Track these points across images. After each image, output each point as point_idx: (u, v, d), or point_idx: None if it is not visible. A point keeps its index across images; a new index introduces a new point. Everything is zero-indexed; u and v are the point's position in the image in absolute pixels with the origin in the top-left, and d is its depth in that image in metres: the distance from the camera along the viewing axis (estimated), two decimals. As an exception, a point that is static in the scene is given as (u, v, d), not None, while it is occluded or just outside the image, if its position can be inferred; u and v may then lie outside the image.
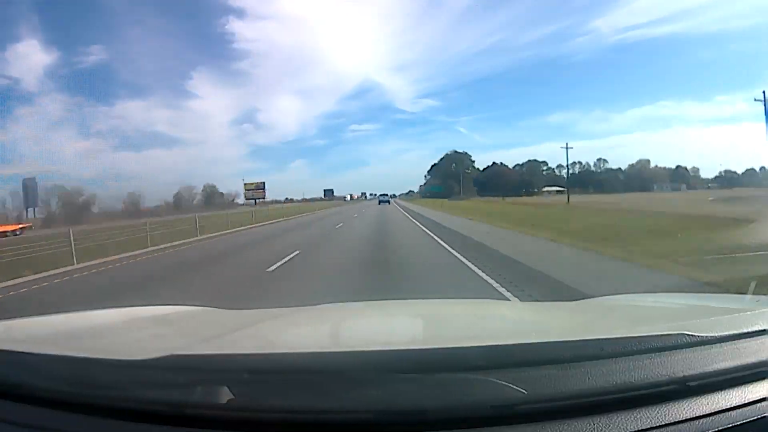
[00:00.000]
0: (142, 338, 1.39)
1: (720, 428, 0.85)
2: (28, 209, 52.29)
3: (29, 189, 52.82)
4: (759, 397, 0.90)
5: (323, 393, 0.84)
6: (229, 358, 0.99)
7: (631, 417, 0.85)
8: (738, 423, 0.86)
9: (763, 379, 0.94)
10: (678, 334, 0.96)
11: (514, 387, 0.82)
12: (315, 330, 1.60)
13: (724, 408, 0.88)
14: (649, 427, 0.84)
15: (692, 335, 0.95)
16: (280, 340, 1.45)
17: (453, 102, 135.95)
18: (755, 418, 0.87)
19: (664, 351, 0.92)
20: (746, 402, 0.89)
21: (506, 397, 0.82)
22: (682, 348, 0.94)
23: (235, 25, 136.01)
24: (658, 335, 0.98)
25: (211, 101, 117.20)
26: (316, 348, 1.27)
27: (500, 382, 0.83)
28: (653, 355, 0.91)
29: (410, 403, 0.83)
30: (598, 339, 1.02)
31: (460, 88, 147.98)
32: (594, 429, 0.82)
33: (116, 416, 0.88)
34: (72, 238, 11.40)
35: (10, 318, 1.44)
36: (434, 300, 3.50)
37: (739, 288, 3.18)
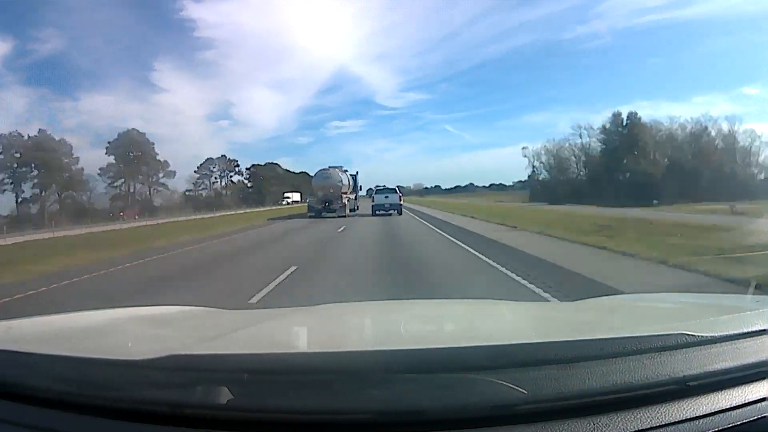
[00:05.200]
0: (142, 338, 1.39)
1: (720, 428, 0.85)
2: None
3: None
4: (759, 397, 0.91)
5: (323, 393, 0.84)
6: (229, 358, 0.99)
7: (631, 417, 0.85)
8: (738, 423, 0.86)
9: (763, 379, 0.94)
10: (678, 334, 0.96)
11: (515, 387, 0.82)
12: (315, 330, 1.60)
13: (724, 408, 0.88)
14: (649, 427, 0.84)
15: (692, 335, 0.95)
16: (280, 340, 1.45)
17: (439, 95, 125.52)
18: (755, 418, 0.88)
19: (665, 351, 0.92)
20: (746, 402, 0.90)
21: (507, 397, 0.82)
22: (682, 348, 0.94)
23: (193, 10, 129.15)
24: (658, 335, 0.98)
25: (181, 95, 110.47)
26: (316, 348, 1.27)
27: (501, 382, 0.83)
28: (653, 355, 0.91)
29: (410, 403, 0.83)
30: (599, 339, 1.02)
31: (446, 80, 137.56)
32: (594, 429, 0.82)
33: (116, 416, 0.88)
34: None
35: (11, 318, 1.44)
36: (435, 300, 3.50)
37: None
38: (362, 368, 0.88)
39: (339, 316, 1.81)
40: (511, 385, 0.82)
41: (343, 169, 31.66)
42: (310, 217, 27.58)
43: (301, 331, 1.59)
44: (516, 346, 0.99)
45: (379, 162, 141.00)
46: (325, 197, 28.35)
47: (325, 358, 0.96)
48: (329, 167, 30.40)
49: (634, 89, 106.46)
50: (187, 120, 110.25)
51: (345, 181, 30.07)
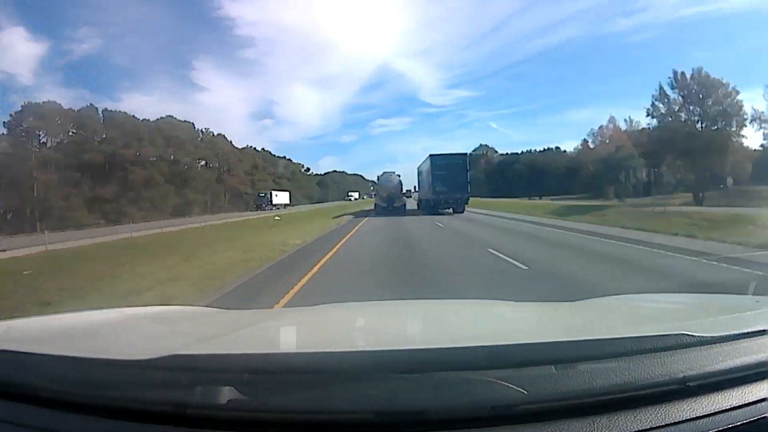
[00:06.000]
0: (142, 338, 1.39)
1: (720, 428, 0.85)
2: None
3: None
4: (759, 398, 0.91)
5: (323, 393, 0.84)
6: (229, 358, 0.98)
7: (631, 417, 0.85)
8: (738, 423, 0.86)
9: (763, 379, 0.94)
10: (678, 334, 0.96)
11: (515, 387, 0.82)
12: (315, 330, 1.60)
13: (724, 408, 0.88)
14: (649, 427, 0.84)
15: (692, 335, 0.95)
16: (280, 340, 1.45)
17: (484, 92, 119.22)
18: (755, 418, 0.87)
19: (664, 351, 0.93)
20: (746, 402, 0.90)
21: (506, 397, 0.82)
22: (682, 348, 0.94)
23: (231, 8, 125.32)
24: (658, 335, 0.98)
25: (223, 94, 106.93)
26: (316, 348, 1.27)
27: (500, 382, 0.83)
28: (653, 355, 0.91)
29: (410, 403, 0.83)
30: (599, 339, 1.02)
31: (491, 76, 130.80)
32: (594, 429, 0.82)
33: (117, 416, 0.88)
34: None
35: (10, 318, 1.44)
36: (434, 300, 3.50)
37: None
38: (362, 368, 0.88)
39: (339, 317, 1.81)
40: (511, 385, 0.82)
41: (396, 173, 35.46)
42: (376, 214, 30.75)
43: (300, 332, 1.59)
44: (516, 347, 0.98)
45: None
46: (389, 197, 32.79)
47: (325, 358, 0.96)
48: (384, 172, 35.70)
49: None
50: (231, 119, 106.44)
51: (400, 185, 34.92)
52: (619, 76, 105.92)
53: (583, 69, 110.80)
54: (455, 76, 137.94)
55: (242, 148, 65.94)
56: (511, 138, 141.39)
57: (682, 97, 35.95)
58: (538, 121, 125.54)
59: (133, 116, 47.90)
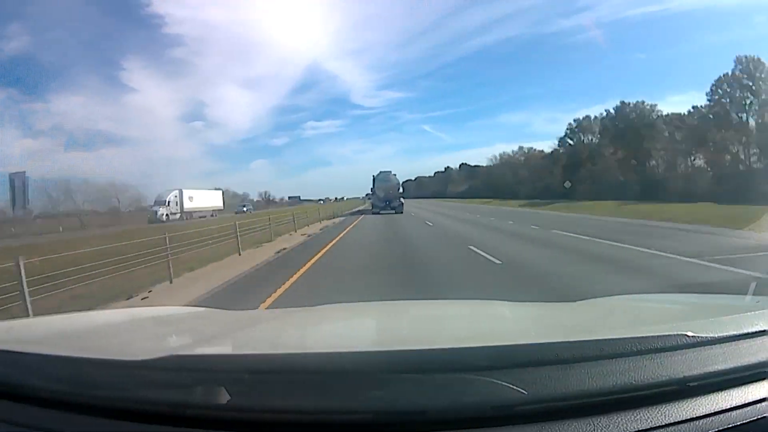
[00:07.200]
0: (142, 338, 1.40)
1: (720, 428, 0.85)
2: (16, 207, 40.94)
3: (17, 185, 41.33)
4: (759, 398, 0.91)
5: (323, 393, 0.84)
6: (229, 358, 0.99)
7: (631, 417, 0.85)
8: (738, 423, 0.86)
9: (763, 379, 0.94)
10: (678, 334, 0.96)
11: (515, 387, 0.82)
12: (315, 330, 1.60)
13: (724, 408, 0.88)
14: (649, 427, 0.84)
15: (692, 336, 0.95)
16: (281, 340, 1.45)
17: (417, 93, 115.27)
18: (755, 418, 0.88)
19: (664, 351, 0.93)
20: (746, 402, 0.90)
21: (506, 397, 0.82)
22: (682, 348, 0.94)
23: (160, 5, 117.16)
24: (658, 336, 0.98)
25: (152, 95, 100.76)
26: (317, 348, 1.27)
27: (500, 382, 0.83)
28: (653, 355, 0.91)
29: (411, 403, 0.83)
30: (599, 339, 1.02)
31: (424, 77, 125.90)
32: (594, 429, 0.83)
33: (116, 416, 0.88)
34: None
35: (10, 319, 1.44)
36: (434, 300, 3.51)
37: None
38: (362, 368, 0.88)
39: (339, 317, 1.81)
40: (511, 386, 0.82)
41: (393, 173, 36.16)
42: (374, 213, 31.50)
43: (301, 332, 1.59)
44: (516, 347, 0.98)
45: (357, 163, 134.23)
46: (386, 196, 33.05)
47: (325, 358, 0.96)
48: (381, 171, 35.81)
49: (613, 87, 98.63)
50: (160, 121, 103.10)
51: (398, 184, 35.08)
52: (552, 77, 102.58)
53: (520, 70, 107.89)
54: (388, 77, 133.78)
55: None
56: (444, 141, 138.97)
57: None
58: (472, 123, 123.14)
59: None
